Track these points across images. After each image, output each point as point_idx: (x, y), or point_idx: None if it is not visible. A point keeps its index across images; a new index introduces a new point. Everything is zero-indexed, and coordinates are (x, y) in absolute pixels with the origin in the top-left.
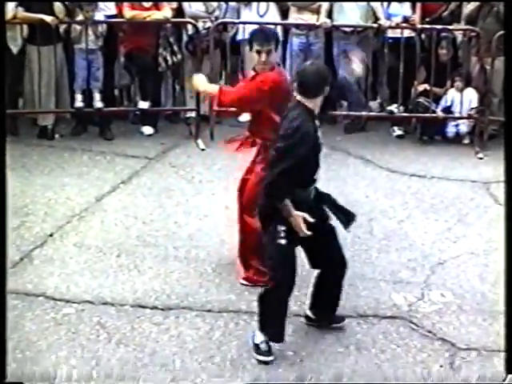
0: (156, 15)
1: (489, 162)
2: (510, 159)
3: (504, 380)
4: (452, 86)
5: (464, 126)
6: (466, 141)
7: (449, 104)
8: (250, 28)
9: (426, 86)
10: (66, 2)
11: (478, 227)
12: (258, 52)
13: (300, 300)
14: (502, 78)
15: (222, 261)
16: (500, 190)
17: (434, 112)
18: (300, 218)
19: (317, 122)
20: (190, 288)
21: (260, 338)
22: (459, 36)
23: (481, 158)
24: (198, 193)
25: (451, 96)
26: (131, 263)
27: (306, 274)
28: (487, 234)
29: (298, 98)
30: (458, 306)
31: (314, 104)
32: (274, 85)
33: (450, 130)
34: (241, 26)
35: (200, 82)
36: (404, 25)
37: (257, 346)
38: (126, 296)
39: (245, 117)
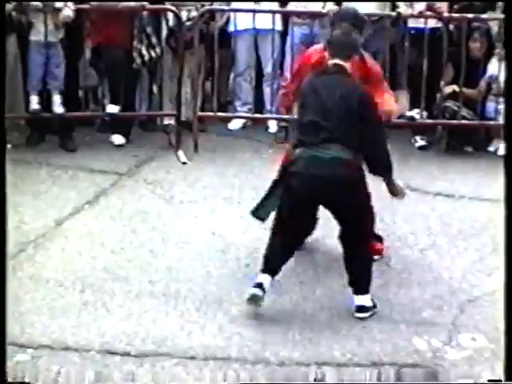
0: (129, 1)
1: None
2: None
3: None
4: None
5: None
6: (502, 152)
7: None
8: (243, 17)
9: (455, 87)
10: None
11: None
12: None
13: None
14: None
15: (207, 298)
16: None
17: (463, 118)
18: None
19: None
20: (169, 331)
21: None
22: (494, 27)
23: None
24: (179, 215)
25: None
26: (98, 300)
27: None
28: None
29: (336, 61)
30: (492, 352)
31: (349, 66)
32: None
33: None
34: (232, 14)
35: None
36: (428, 13)
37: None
38: (92, 340)
39: (235, 124)
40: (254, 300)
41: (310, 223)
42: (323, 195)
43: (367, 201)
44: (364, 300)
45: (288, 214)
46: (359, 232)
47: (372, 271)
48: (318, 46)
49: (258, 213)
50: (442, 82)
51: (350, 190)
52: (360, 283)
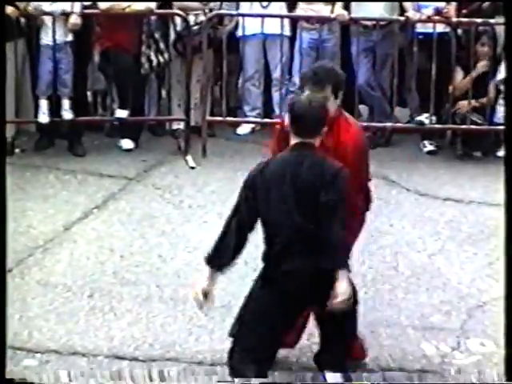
0: (138, 6)
1: None
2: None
3: None
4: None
5: None
6: None
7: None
8: (251, 22)
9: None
10: None
11: None
12: None
13: None
14: None
15: (215, 303)
16: None
17: (474, 123)
18: None
19: None
20: (178, 335)
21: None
22: (502, 32)
23: None
24: (187, 220)
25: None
26: (106, 305)
27: None
28: None
29: (301, 139)
30: (500, 358)
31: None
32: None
33: (499, 115)
34: (240, 18)
35: None
36: (436, 18)
37: None
38: (100, 345)
39: (244, 129)
40: None
41: None
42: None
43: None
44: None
45: None
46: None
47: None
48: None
49: None
50: (451, 87)
51: None
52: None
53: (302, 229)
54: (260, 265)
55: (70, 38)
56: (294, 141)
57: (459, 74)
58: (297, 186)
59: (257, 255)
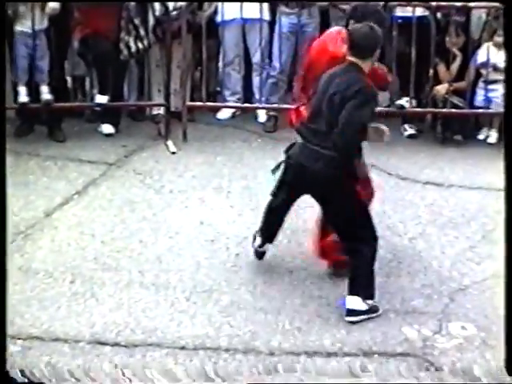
0: None
1: None
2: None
3: None
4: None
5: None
6: (492, 140)
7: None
8: (231, 7)
9: (446, 86)
10: None
11: None
12: None
13: None
14: None
15: (197, 288)
16: None
17: (455, 106)
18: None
19: None
20: (159, 321)
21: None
22: (483, 15)
23: None
24: (168, 205)
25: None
26: (88, 291)
27: None
28: None
29: (351, 58)
30: (482, 341)
31: (366, 66)
32: None
33: (480, 98)
34: (219, 4)
35: None
36: (415, 2)
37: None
38: (82, 330)
39: (224, 114)
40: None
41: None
42: (308, 186)
43: (354, 200)
44: (354, 302)
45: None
46: (348, 228)
47: (371, 275)
48: (334, 31)
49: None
50: (431, 70)
51: (333, 187)
52: (353, 282)
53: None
54: (241, 251)
55: (45, 24)
56: (348, 58)
57: (442, 67)
58: (329, 92)
59: (238, 241)
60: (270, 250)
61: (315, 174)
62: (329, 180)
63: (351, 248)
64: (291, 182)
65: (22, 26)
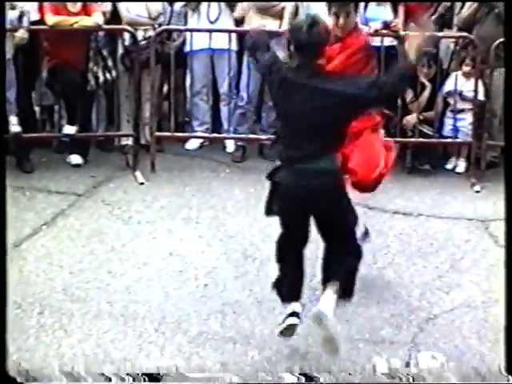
0: (85, 21)
1: (487, 195)
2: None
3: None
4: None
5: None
6: (461, 169)
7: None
8: (199, 37)
9: (416, 117)
10: None
11: (475, 274)
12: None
13: None
14: (502, 94)
15: (166, 318)
16: (501, 230)
17: (425, 135)
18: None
19: None
20: (128, 351)
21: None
22: (451, 45)
23: (478, 192)
24: (137, 236)
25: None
26: (56, 322)
27: None
28: (486, 283)
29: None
30: (451, 371)
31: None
32: None
33: (448, 128)
34: (188, 34)
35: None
36: (384, 31)
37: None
38: (51, 362)
39: (192, 144)
40: (290, 329)
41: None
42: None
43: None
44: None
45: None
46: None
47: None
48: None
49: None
50: (400, 101)
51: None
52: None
53: None
54: (210, 281)
55: (10, 54)
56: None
57: (409, 93)
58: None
59: (207, 272)
60: (239, 279)
61: (314, 188)
62: (330, 192)
63: (344, 256)
64: (288, 206)
65: None
